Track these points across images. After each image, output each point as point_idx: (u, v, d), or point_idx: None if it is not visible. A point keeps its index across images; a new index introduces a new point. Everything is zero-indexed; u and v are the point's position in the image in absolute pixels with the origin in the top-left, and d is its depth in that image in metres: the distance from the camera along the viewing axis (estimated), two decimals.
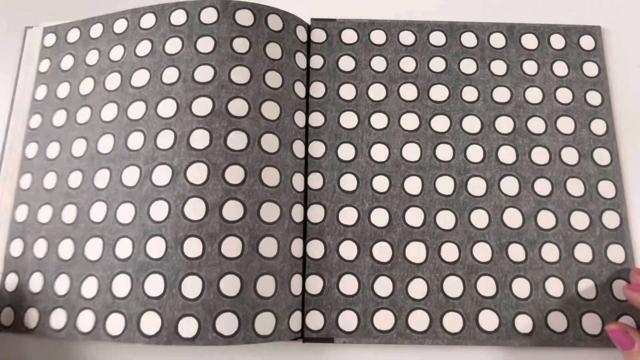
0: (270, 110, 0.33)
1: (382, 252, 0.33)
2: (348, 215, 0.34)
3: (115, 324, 0.30)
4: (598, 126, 0.36)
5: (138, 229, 0.31)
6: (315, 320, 0.32)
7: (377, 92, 0.36)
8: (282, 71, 0.35)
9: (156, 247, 0.30)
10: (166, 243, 0.30)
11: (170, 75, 0.33)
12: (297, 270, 0.32)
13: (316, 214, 0.34)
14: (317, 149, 0.35)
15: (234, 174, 0.31)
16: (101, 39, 0.36)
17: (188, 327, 0.28)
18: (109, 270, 0.31)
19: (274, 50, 0.35)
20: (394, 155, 0.35)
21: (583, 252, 0.34)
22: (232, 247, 0.30)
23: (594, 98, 0.37)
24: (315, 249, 0.33)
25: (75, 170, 0.34)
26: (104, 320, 0.30)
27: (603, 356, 0.32)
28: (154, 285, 0.29)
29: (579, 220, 0.34)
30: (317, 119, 0.36)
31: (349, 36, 0.38)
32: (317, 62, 0.37)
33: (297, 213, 0.33)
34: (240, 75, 0.33)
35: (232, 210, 0.31)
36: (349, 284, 0.33)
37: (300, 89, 0.35)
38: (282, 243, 0.31)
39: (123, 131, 0.33)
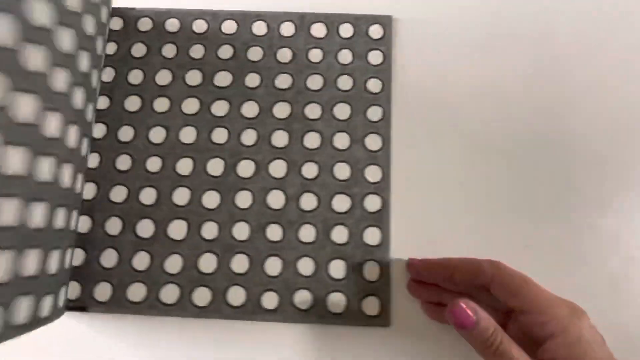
0: None
1: (145, 228, 0.35)
2: (118, 194, 0.36)
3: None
4: (374, 113, 0.37)
5: None
6: (73, 291, 0.34)
7: (163, 77, 0.38)
8: None
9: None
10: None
11: None
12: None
13: (89, 191, 0.36)
14: (98, 130, 0.37)
15: None
16: None
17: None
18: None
19: None
20: (171, 137, 0.37)
21: (339, 234, 0.35)
22: None
23: (375, 85, 0.38)
24: (84, 224, 0.35)
25: None
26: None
27: (342, 333, 0.33)
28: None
29: (341, 202, 0.35)
30: (103, 103, 0.38)
31: (145, 24, 0.39)
32: (111, 48, 0.39)
33: None
34: None
35: None
36: (109, 258, 0.35)
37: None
38: None
39: None
